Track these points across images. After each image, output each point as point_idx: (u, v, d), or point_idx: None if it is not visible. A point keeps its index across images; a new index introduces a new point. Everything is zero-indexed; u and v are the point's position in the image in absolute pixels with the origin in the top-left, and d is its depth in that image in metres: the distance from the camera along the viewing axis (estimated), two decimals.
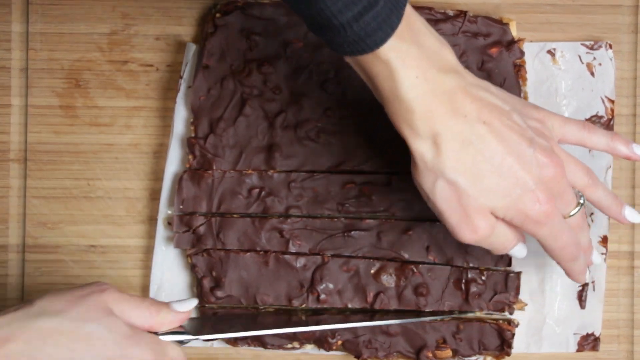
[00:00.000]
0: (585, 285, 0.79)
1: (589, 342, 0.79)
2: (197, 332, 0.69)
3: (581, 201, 0.69)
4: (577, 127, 0.70)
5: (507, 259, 0.76)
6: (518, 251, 0.69)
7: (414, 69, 0.62)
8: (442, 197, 0.65)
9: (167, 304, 0.66)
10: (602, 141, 0.70)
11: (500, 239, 0.67)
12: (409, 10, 0.62)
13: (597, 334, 0.79)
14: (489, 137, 0.64)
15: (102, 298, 0.64)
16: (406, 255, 0.76)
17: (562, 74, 0.79)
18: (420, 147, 0.64)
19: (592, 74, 0.79)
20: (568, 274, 0.71)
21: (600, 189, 0.70)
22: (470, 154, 0.64)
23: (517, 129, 0.65)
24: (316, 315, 0.76)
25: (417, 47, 0.62)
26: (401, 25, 0.61)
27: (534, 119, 0.68)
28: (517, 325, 0.77)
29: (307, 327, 0.74)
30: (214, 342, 0.78)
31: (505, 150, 0.64)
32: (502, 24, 0.78)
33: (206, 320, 0.75)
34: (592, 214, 0.79)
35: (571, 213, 0.68)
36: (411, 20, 0.63)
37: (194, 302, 0.68)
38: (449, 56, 0.64)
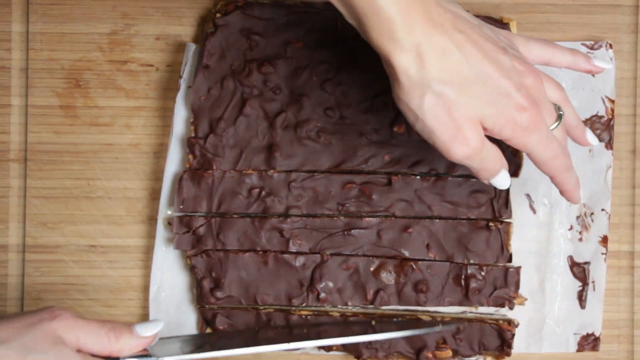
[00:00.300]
0: (585, 285, 0.79)
1: (589, 342, 0.79)
2: (182, 351, 0.66)
3: (561, 112, 0.68)
4: (540, 45, 0.70)
5: (507, 255, 0.76)
6: (503, 178, 0.68)
7: None
8: (431, 113, 0.63)
9: (129, 328, 0.64)
10: (566, 58, 0.71)
11: (490, 156, 0.66)
12: None
13: (597, 334, 0.79)
14: (467, 45, 0.63)
15: (52, 326, 0.62)
16: (406, 253, 0.76)
17: (563, 74, 0.79)
18: (403, 61, 0.62)
19: (593, 73, 0.79)
20: (564, 191, 0.70)
21: (571, 106, 0.70)
22: (453, 63, 0.63)
23: (491, 40, 0.65)
24: (317, 327, 0.76)
25: None
26: None
27: (501, 35, 0.68)
28: (517, 326, 0.77)
29: (307, 341, 0.72)
30: None
31: (484, 58, 0.63)
32: (503, 24, 0.78)
33: (206, 339, 0.73)
34: (592, 213, 0.79)
35: (552, 126, 0.67)
36: None
37: (159, 325, 0.66)
38: None
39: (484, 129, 0.65)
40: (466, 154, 0.64)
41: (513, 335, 0.76)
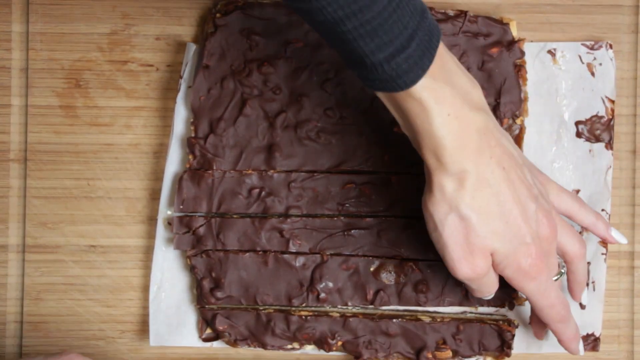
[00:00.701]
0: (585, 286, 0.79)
1: (589, 342, 0.79)
2: None
3: (562, 270, 0.72)
4: (570, 199, 0.73)
5: None
6: (489, 297, 0.73)
7: (446, 107, 0.64)
8: (450, 230, 0.67)
9: None
10: (589, 219, 0.74)
11: (489, 283, 0.70)
12: (441, 49, 0.64)
13: (597, 334, 0.79)
14: (504, 184, 0.66)
15: None
16: (407, 253, 0.76)
17: (563, 74, 0.79)
18: (443, 180, 0.66)
19: (593, 74, 0.79)
20: (560, 341, 0.74)
21: (584, 264, 0.73)
22: (486, 195, 0.66)
23: (527, 184, 0.68)
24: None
25: (450, 87, 0.64)
26: (434, 64, 0.62)
27: (538, 180, 0.70)
28: (517, 326, 0.77)
29: None
30: (214, 342, 0.78)
31: (515, 200, 0.67)
32: (503, 24, 0.78)
33: None
34: None
35: (554, 277, 0.71)
36: (444, 59, 0.64)
37: None
38: (479, 95, 0.66)
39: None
40: (469, 276, 0.68)
41: (513, 335, 0.76)
